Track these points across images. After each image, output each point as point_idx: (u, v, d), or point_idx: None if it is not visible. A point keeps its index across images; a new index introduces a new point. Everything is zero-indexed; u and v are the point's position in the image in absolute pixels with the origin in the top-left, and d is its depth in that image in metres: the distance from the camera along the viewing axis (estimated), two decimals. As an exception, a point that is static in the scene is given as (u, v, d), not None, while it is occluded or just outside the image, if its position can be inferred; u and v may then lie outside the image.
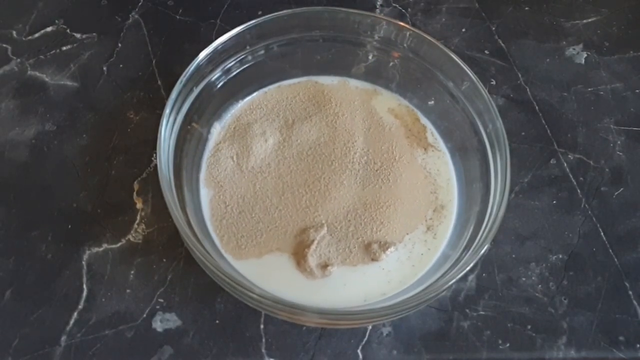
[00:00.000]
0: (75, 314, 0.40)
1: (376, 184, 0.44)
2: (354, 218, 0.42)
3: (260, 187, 0.43)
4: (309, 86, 0.48)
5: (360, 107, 0.47)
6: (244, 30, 0.44)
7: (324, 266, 0.40)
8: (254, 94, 0.47)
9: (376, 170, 0.44)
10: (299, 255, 0.40)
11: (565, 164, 0.48)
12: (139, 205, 0.44)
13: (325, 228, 0.41)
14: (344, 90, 0.48)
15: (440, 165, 0.45)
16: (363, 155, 0.45)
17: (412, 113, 0.47)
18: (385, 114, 0.47)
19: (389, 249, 0.41)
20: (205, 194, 0.43)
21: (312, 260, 0.40)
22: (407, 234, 0.42)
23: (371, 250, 0.41)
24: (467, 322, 0.41)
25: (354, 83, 0.49)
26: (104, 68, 0.51)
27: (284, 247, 0.41)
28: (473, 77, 0.42)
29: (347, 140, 0.45)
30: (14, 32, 0.53)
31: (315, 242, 0.41)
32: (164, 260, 0.42)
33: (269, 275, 0.40)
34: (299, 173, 0.44)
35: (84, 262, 0.42)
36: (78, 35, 0.53)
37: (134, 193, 0.45)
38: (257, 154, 0.44)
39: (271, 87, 0.48)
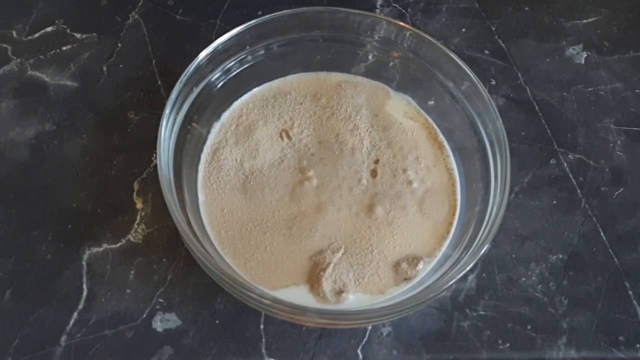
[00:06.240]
0: (75, 314, 0.40)
1: (404, 193, 0.43)
2: (376, 234, 0.41)
3: (269, 196, 0.42)
4: (315, 82, 0.48)
5: (378, 112, 0.46)
6: (244, 30, 0.44)
7: (339, 292, 0.39)
8: (255, 94, 0.47)
9: (402, 178, 0.43)
10: (313, 278, 0.39)
11: (565, 164, 0.48)
12: (139, 205, 0.44)
13: (342, 250, 0.40)
14: (352, 88, 0.48)
15: (451, 164, 0.45)
16: (386, 163, 0.44)
17: (421, 114, 0.47)
18: (403, 119, 0.46)
19: (419, 265, 0.40)
20: (203, 199, 0.42)
21: (327, 285, 0.39)
22: (437, 244, 0.41)
23: (401, 270, 0.40)
24: (467, 322, 0.41)
25: (358, 80, 0.48)
26: (104, 68, 0.51)
27: (299, 279, 0.40)
28: (473, 77, 0.42)
29: (363, 147, 0.45)
30: (14, 32, 0.53)
31: (332, 265, 0.40)
32: (164, 260, 0.42)
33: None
34: (313, 183, 0.43)
35: (84, 262, 0.42)
36: (78, 35, 0.53)
37: (134, 193, 0.45)
38: (261, 158, 0.44)
39: (272, 84, 0.48)
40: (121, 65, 0.51)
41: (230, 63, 0.45)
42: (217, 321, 0.40)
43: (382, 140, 0.45)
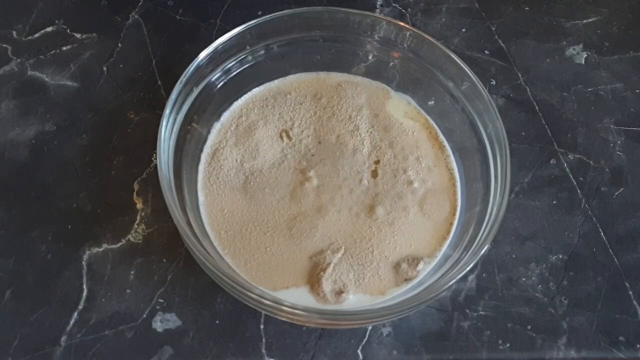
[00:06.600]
0: (75, 314, 0.40)
1: (405, 193, 0.43)
2: (377, 234, 0.41)
3: (269, 196, 0.42)
4: (315, 82, 0.48)
5: (379, 112, 0.46)
6: (244, 30, 0.44)
7: (339, 292, 0.39)
8: (255, 94, 0.47)
9: (403, 178, 0.43)
10: (313, 278, 0.39)
11: (565, 164, 0.48)
12: (139, 205, 0.44)
13: (343, 250, 0.40)
14: (353, 88, 0.48)
15: (452, 164, 0.45)
16: (386, 164, 0.44)
17: (422, 114, 0.47)
18: (404, 120, 0.46)
19: (419, 265, 0.40)
20: (203, 199, 0.42)
21: (327, 285, 0.39)
22: (438, 244, 0.41)
23: (401, 271, 0.40)
24: (467, 322, 0.41)
25: (358, 80, 0.48)
26: (104, 68, 0.51)
27: (299, 280, 0.40)
28: (473, 77, 0.42)
29: (363, 147, 0.45)
30: (14, 32, 0.53)
31: (332, 265, 0.40)
32: (164, 260, 0.42)
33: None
34: (313, 183, 0.43)
35: (84, 262, 0.42)
36: (78, 35, 0.53)
37: (134, 193, 0.45)
38: (261, 158, 0.44)
39: (272, 84, 0.48)
40: (121, 65, 0.51)
41: (230, 63, 0.45)
42: (217, 321, 0.40)
43: (382, 141, 0.45)
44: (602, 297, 0.42)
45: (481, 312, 0.41)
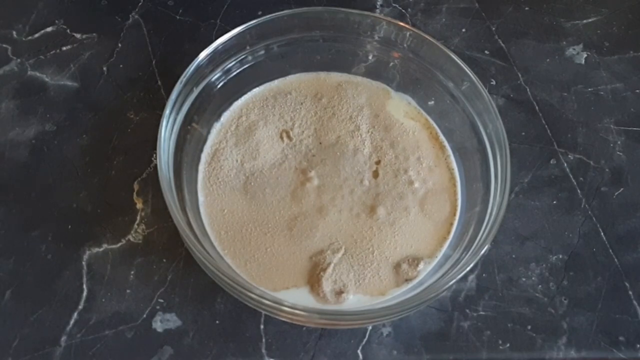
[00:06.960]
0: (75, 314, 0.40)
1: (406, 193, 0.43)
2: (378, 234, 0.41)
3: (270, 196, 0.42)
4: (315, 82, 0.48)
5: (379, 113, 0.46)
6: (244, 30, 0.44)
7: (339, 293, 0.39)
8: (255, 94, 0.47)
9: (404, 179, 0.43)
10: (313, 278, 0.39)
11: (565, 164, 0.48)
12: (139, 205, 0.44)
13: (343, 250, 0.40)
14: (353, 88, 0.48)
15: (452, 164, 0.45)
16: (387, 164, 0.44)
17: (422, 114, 0.47)
18: (404, 120, 0.46)
19: (419, 265, 0.40)
20: (203, 199, 0.42)
21: (327, 285, 0.39)
22: (438, 244, 0.41)
23: (402, 271, 0.40)
24: (467, 322, 0.41)
25: (359, 80, 0.48)
26: (104, 68, 0.51)
27: (299, 280, 0.40)
28: (473, 77, 0.42)
29: (364, 147, 0.45)
30: (14, 32, 0.53)
31: (332, 265, 0.40)
32: (164, 260, 0.42)
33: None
34: (314, 184, 0.43)
35: (84, 262, 0.42)
36: (78, 35, 0.53)
37: (134, 193, 0.45)
38: (262, 159, 0.44)
39: (272, 84, 0.48)
40: (121, 65, 0.51)
41: (230, 63, 0.45)
42: (217, 321, 0.40)
43: (383, 141, 0.45)
44: (602, 297, 0.42)
45: (481, 312, 0.41)
